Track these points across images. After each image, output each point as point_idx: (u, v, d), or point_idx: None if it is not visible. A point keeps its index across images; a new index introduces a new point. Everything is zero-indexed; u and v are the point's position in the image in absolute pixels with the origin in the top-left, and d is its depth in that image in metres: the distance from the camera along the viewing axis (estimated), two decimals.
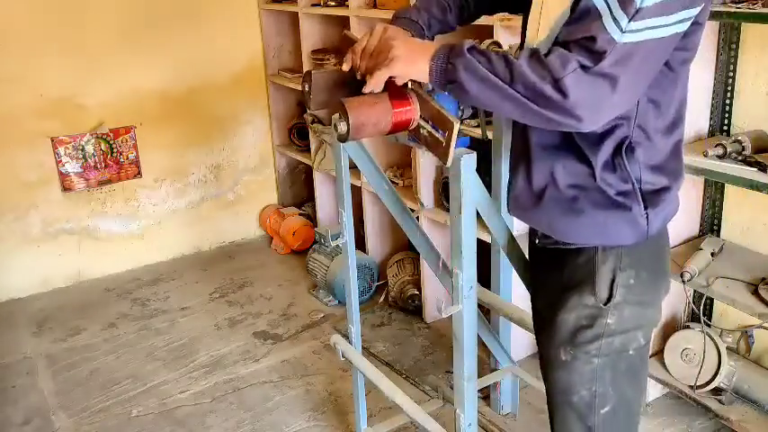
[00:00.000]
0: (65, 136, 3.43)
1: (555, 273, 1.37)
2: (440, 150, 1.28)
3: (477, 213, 1.50)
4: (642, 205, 1.26)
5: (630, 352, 1.32)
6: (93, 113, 3.49)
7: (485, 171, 2.39)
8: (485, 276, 2.16)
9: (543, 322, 1.42)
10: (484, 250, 1.82)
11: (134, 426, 2.50)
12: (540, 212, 1.33)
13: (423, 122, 1.31)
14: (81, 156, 3.49)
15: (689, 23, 1.10)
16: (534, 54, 1.10)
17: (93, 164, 3.53)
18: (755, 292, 1.99)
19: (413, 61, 1.20)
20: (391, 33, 1.28)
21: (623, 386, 1.34)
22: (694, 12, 1.10)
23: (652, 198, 1.27)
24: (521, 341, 2.54)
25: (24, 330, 3.20)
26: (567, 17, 1.13)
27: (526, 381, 2.26)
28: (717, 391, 2.22)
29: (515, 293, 2.26)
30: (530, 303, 1.54)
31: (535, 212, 1.35)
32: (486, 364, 2.49)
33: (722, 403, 2.19)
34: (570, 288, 1.32)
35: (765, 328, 2.19)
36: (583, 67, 1.04)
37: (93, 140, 3.50)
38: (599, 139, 1.22)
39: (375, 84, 1.24)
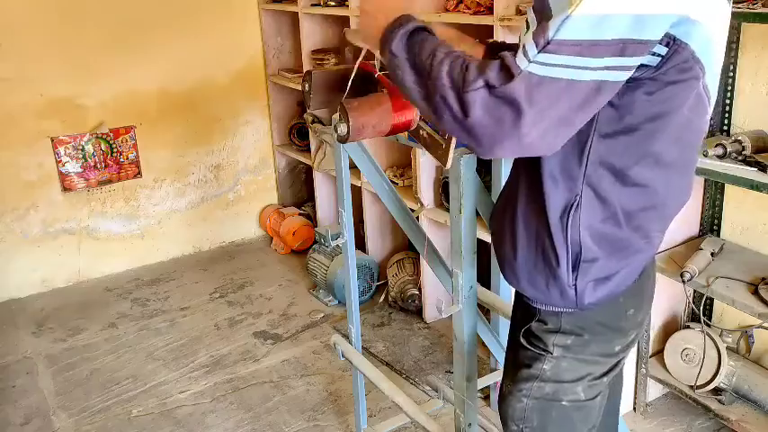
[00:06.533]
0: (65, 136, 3.43)
1: (516, 308, 1.37)
2: (439, 152, 1.28)
3: (477, 213, 1.50)
4: (571, 274, 1.16)
5: (564, 403, 1.27)
6: (93, 113, 3.49)
7: (485, 171, 2.41)
8: (485, 276, 2.16)
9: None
10: (484, 250, 1.82)
11: (134, 426, 2.50)
12: (498, 242, 1.27)
13: (422, 124, 1.31)
14: (81, 156, 3.49)
15: (625, 73, 0.95)
16: (464, 56, 0.99)
17: (93, 164, 3.53)
18: (755, 292, 1.99)
19: (374, 22, 1.10)
20: None
21: None
22: (630, 61, 0.94)
23: (588, 268, 1.15)
24: None
25: (24, 330, 3.20)
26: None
27: None
28: (717, 391, 2.22)
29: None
30: None
31: (496, 239, 1.29)
32: (486, 364, 2.49)
33: (722, 403, 2.19)
34: (518, 328, 1.31)
35: (765, 328, 2.19)
36: (489, 86, 0.93)
37: (93, 140, 3.50)
38: (554, 188, 1.12)
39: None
